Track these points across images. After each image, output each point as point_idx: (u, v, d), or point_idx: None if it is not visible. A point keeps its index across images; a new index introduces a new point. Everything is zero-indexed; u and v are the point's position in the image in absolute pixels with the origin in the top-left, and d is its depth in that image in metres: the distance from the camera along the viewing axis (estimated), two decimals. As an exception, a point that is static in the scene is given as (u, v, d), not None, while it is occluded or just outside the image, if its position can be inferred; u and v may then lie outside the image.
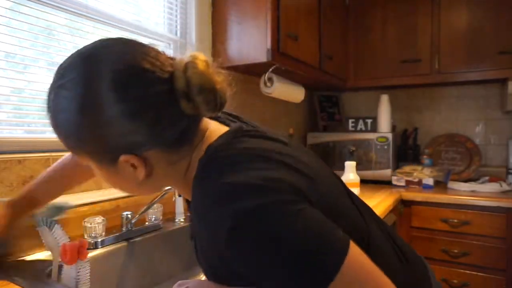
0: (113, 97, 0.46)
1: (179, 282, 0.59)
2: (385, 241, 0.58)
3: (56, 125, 0.51)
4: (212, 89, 0.51)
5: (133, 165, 0.51)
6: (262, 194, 0.42)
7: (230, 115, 0.68)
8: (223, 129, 0.59)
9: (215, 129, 0.59)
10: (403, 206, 1.82)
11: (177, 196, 1.13)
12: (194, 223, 0.52)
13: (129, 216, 1.09)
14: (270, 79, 1.70)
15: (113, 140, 0.48)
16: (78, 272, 0.82)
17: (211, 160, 0.49)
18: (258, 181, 0.43)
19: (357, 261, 0.42)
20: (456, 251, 1.68)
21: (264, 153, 0.48)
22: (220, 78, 0.53)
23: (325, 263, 0.41)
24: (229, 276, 0.51)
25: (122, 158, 0.49)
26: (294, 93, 1.87)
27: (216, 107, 0.52)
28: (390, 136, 2.06)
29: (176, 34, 1.57)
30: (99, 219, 1.00)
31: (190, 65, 0.49)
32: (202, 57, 0.51)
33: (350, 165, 1.51)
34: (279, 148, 0.52)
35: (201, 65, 0.50)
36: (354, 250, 0.43)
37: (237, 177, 0.44)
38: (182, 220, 1.30)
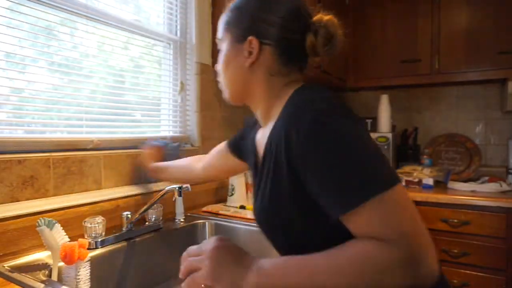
0: (285, 1, 0.65)
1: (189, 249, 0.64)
2: None
3: (238, 1, 0.69)
4: (331, 36, 0.63)
5: (250, 52, 0.65)
6: (345, 112, 0.54)
7: None
8: None
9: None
10: (403, 206, 1.82)
11: (177, 196, 1.13)
12: (273, 132, 0.61)
13: (129, 216, 1.09)
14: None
15: (258, 23, 0.65)
16: (78, 272, 0.82)
17: (306, 96, 0.59)
18: (343, 109, 0.54)
19: (403, 196, 0.48)
20: (456, 251, 1.68)
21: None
22: (339, 35, 0.65)
23: (382, 177, 0.48)
24: (289, 202, 0.58)
25: (250, 38, 0.65)
26: (294, 93, 1.87)
27: (327, 47, 0.64)
28: (390, 136, 2.06)
29: (176, 34, 1.57)
30: (99, 219, 1.00)
31: (328, 18, 0.64)
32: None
33: (350, 165, 1.52)
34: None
35: (335, 22, 0.64)
36: (403, 190, 0.49)
37: (323, 96, 0.56)
38: (182, 220, 1.30)
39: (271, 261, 0.52)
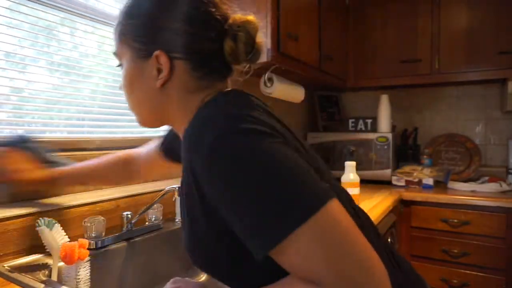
0: (189, 1, 0.53)
1: (174, 279, 0.59)
2: (382, 252, 0.55)
3: (129, 7, 0.56)
4: (253, 41, 0.54)
5: (159, 69, 0.54)
6: (252, 126, 0.43)
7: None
8: None
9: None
10: (403, 206, 1.82)
11: (177, 196, 1.13)
12: (182, 160, 0.51)
13: (129, 216, 1.09)
14: (270, 79, 1.70)
15: (162, 33, 0.53)
16: (78, 272, 0.82)
17: (209, 107, 0.50)
18: (247, 116, 0.45)
19: (336, 218, 0.39)
20: (456, 251, 1.68)
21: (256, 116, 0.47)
22: (261, 40, 0.56)
23: (299, 203, 0.38)
24: (207, 227, 0.49)
25: (157, 53, 0.53)
26: (294, 93, 1.87)
27: (250, 55, 0.55)
28: (390, 136, 2.06)
29: (176, 34, 1.56)
30: (99, 219, 1.00)
31: (249, 20, 0.54)
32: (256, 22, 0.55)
33: (350, 165, 1.51)
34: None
35: (256, 24, 0.55)
36: (336, 206, 0.40)
37: (226, 110, 0.47)
38: (182, 220, 1.30)
39: None
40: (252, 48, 0.54)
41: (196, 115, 0.49)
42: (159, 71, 0.54)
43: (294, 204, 0.38)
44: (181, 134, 0.58)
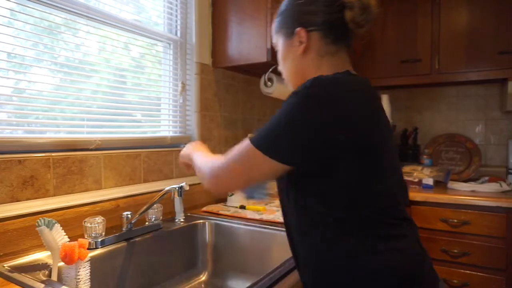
0: None
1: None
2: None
3: (279, 10, 0.82)
4: (366, 5, 0.73)
5: (300, 41, 0.76)
6: (312, 98, 0.64)
7: None
8: None
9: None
10: (403, 206, 1.82)
11: (176, 196, 1.13)
12: None
13: (129, 216, 1.09)
14: (270, 79, 1.70)
15: (302, 16, 0.76)
16: (78, 272, 0.82)
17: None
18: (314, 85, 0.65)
19: (250, 155, 0.66)
20: (456, 251, 1.68)
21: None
22: (372, 2, 0.74)
23: (265, 140, 0.66)
24: None
25: (297, 29, 0.76)
26: (294, 93, 1.87)
27: (367, 16, 0.73)
28: (390, 136, 2.05)
29: (176, 34, 1.57)
30: (99, 219, 1.00)
31: None
32: None
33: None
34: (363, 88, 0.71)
35: None
36: (259, 157, 0.65)
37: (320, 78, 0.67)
38: (182, 220, 1.30)
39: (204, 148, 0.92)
40: (365, 10, 0.72)
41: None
42: (301, 42, 0.76)
43: (265, 139, 0.66)
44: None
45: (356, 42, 0.80)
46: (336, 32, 0.75)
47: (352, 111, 0.64)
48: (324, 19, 0.74)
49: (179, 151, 1.20)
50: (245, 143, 0.67)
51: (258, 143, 0.65)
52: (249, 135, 0.71)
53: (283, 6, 0.81)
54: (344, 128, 0.62)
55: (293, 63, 0.80)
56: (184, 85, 1.57)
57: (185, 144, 1.37)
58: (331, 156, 0.63)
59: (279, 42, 0.82)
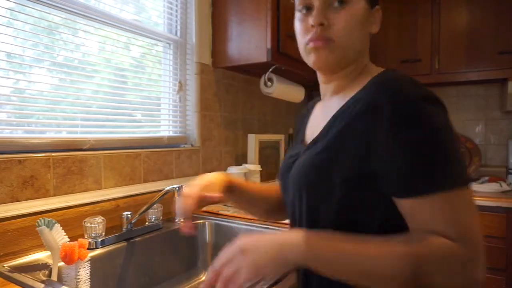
0: None
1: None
2: None
3: None
4: None
5: (375, 18, 0.68)
6: (435, 100, 0.53)
7: None
8: None
9: None
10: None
11: (177, 196, 1.13)
12: (341, 113, 0.60)
13: (129, 216, 1.09)
14: (270, 79, 1.70)
15: None
16: (78, 272, 0.82)
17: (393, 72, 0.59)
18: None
19: (471, 199, 0.49)
20: (456, 251, 1.68)
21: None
22: None
23: (458, 174, 0.49)
24: (340, 165, 0.57)
25: (377, 7, 0.68)
26: (294, 93, 1.87)
27: None
28: (390, 136, 2.05)
29: (176, 34, 1.57)
30: (99, 219, 1.00)
31: None
32: None
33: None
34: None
35: None
36: (472, 193, 0.50)
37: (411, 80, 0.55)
38: (182, 220, 1.30)
39: (318, 233, 0.51)
40: None
41: (386, 73, 0.60)
42: (375, 19, 0.68)
43: (453, 173, 0.49)
44: (339, 82, 0.69)
45: None
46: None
47: None
48: None
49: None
50: (454, 193, 0.48)
51: (458, 181, 0.49)
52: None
53: None
54: None
55: (363, 38, 0.67)
56: (181, 85, 1.57)
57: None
58: None
59: (358, 5, 0.64)
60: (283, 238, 0.51)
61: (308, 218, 0.63)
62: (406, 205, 0.50)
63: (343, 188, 0.56)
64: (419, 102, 0.51)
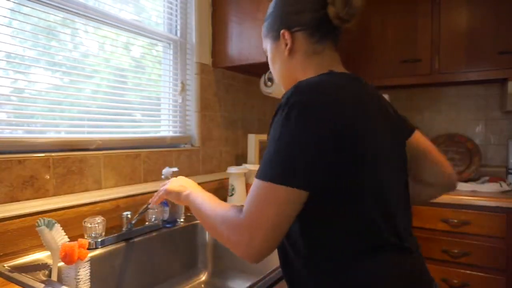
0: None
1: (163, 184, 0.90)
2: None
3: (267, 15, 0.80)
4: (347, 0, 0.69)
5: (286, 43, 0.74)
6: (306, 105, 0.59)
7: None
8: None
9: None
10: (403, 206, 1.81)
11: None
12: None
13: (129, 216, 1.09)
14: (270, 79, 1.70)
15: (286, 18, 0.74)
16: (78, 272, 0.82)
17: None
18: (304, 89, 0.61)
19: (272, 194, 0.57)
20: (456, 251, 1.68)
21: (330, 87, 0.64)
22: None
23: (274, 171, 0.58)
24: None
25: (282, 31, 0.74)
26: (294, 93, 1.87)
27: (350, 8, 0.69)
28: (390, 136, 2.05)
29: (176, 34, 1.57)
30: (99, 219, 1.00)
31: None
32: None
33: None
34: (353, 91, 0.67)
35: None
36: (281, 192, 0.57)
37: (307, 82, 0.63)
38: (182, 220, 1.30)
39: (202, 190, 0.80)
40: (347, 3, 0.69)
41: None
42: (286, 44, 0.74)
43: (272, 169, 0.58)
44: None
45: (347, 39, 0.78)
46: (321, 31, 0.73)
47: (338, 117, 0.59)
48: (307, 18, 0.72)
49: (163, 181, 1.03)
50: (254, 184, 0.60)
51: (266, 176, 0.58)
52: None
53: (269, 8, 0.80)
54: (337, 137, 0.58)
55: (281, 66, 0.78)
56: (183, 85, 1.57)
57: (171, 176, 1.19)
58: (333, 172, 0.59)
59: (267, 47, 0.81)
60: (186, 183, 0.85)
61: None
62: None
63: None
64: (284, 107, 0.60)
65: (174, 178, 0.90)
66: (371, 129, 0.64)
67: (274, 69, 0.81)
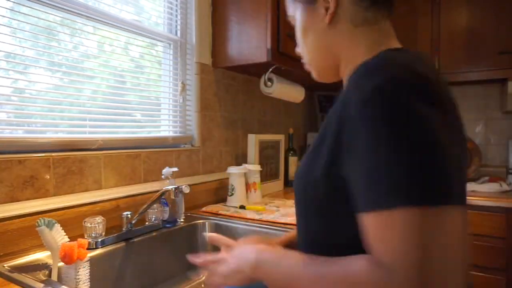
0: None
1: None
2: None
3: None
4: None
5: (326, 8, 0.57)
6: (425, 91, 0.42)
7: None
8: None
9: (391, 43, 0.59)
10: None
11: (172, 197, 1.13)
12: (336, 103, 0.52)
13: (129, 216, 1.09)
14: (270, 79, 1.70)
15: None
16: (78, 272, 0.82)
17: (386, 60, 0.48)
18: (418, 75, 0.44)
19: (443, 226, 0.37)
20: (456, 251, 1.68)
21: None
22: None
23: (417, 188, 0.37)
24: (321, 174, 0.50)
25: None
26: (294, 93, 1.87)
27: None
28: (390, 136, 2.05)
29: (176, 34, 1.57)
30: (99, 219, 1.01)
31: None
32: None
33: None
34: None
35: None
36: (451, 217, 0.37)
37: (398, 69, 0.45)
38: (182, 220, 1.30)
39: (271, 250, 0.55)
40: None
41: (377, 55, 0.50)
42: (327, 9, 0.57)
43: (421, 183, 0.38)
44: (345, 78, 0.61)
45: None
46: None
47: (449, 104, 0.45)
48: None
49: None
50: (396, 216, 0.38)
51: (412, 199, 0.38)
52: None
53: None
54: (450, 131, 0.43)
55: (317, 37, 0.60)
56: (184, 85, 1.57)
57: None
58: None
59: (296, 13, 0.63)
60: (244, 253, 0.58)
61: (299, 226, 0.62)
62: (362, 221, 0.43)
63: (314, 196, 0.52)
64: (386, 88, 0.41)
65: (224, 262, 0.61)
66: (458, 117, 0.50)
67: (305, 43, 0.62)
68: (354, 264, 0.41)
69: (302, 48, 0.64)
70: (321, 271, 0.44)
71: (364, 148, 0.41)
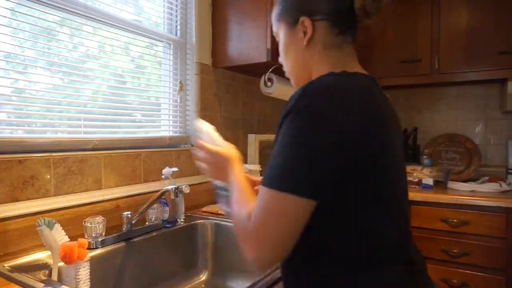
0: None
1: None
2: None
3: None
4: None
5: (304, 32, 0.69)
6: (322, 108, 0.56)
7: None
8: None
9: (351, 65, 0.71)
10: (403, 206, 1.81)
11: (172, 197, 1.13)
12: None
13: (129, 216, 1.09)
14: (270, 79, 1.70)
15: (306, 3, 0.69)
16: (78, 272, 0.82)
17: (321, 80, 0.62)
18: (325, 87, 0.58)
19: (279, 203, 0.55)
20: (456, 251, 1.68)
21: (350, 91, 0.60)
22: None
23: (285, 178, 0.55)
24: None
25: (302, 18, 0.68)
26: (294, 93, 1.87)
27: (378, 4, 0.67)
28: (390, 136, 2.05)
29: (176, 34, 1.57)
30: (99, 219, 1.01)
31: None
32: None
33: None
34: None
35: None
36: (291, 200, 0.55)
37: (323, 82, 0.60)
38: (182, 220, 1.30)
39: (240, 176, 0.73)
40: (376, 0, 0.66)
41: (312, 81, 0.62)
42: (305, 33, 0.69)
43: (283, 177, 0.56)
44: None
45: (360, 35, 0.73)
46: (343, 22, 0.68)
47: (351, 124, 0.56)
48: (331, 7, 0.67)
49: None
50: (261, 191, 0.58)
51: (272, 183, 0.56)
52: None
53: None
54: (348, 145, 0.55)
55: (295, 55, 0.73)
56: (182, 85, 1.57)
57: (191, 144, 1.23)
58: (342, 180, 0.56)
59: (280, 32, 0.75)
60: (228, 164, 0.77)
61: None
62: None
63: None
64: (292, 111, 0.57)
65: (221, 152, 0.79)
66: (387, 134, 0.61)
67: (287, 58, 0.75)
68: (246, 207, 0.61)
69: (284, 60, 0.77)
70: (238, 200, 0.66)
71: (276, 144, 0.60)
